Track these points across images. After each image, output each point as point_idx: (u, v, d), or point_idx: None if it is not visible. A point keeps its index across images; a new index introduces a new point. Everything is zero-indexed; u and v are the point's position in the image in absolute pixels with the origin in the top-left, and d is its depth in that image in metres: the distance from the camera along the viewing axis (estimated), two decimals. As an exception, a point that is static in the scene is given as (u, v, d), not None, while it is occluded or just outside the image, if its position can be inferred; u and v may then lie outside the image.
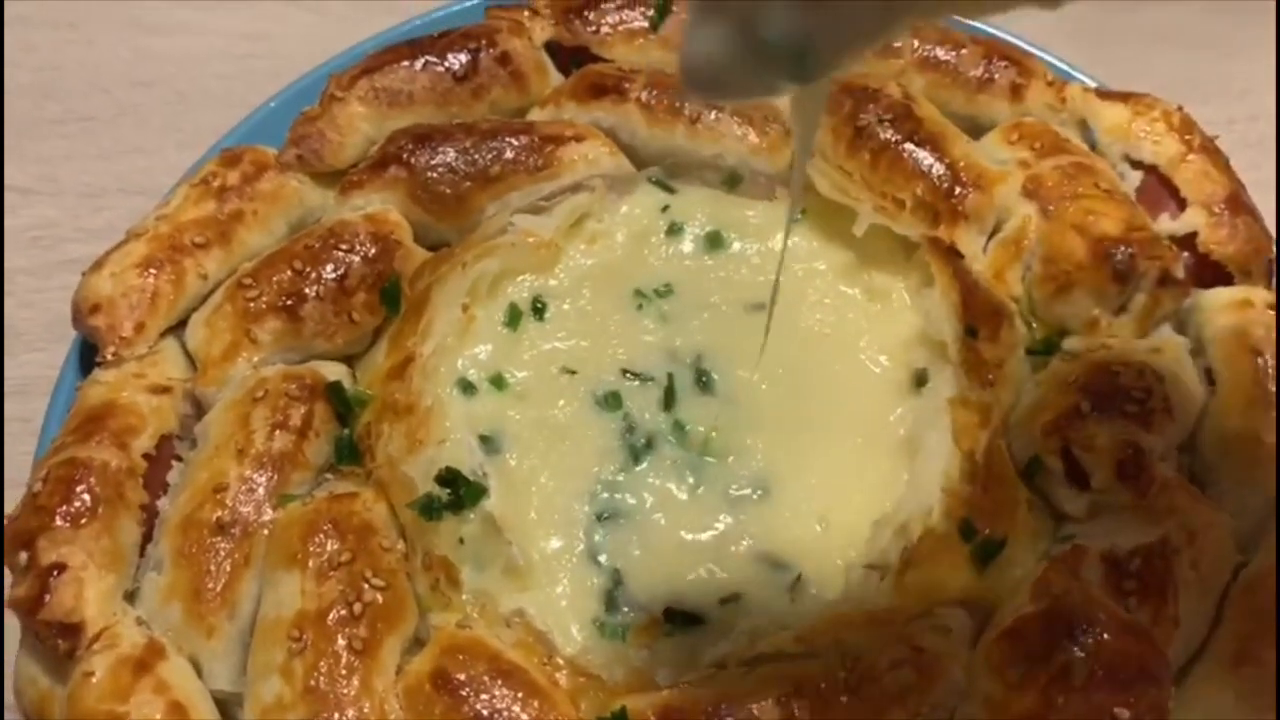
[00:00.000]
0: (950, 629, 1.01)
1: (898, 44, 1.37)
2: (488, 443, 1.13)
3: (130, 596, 1.03)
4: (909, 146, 1.26)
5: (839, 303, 1.24)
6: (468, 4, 1.48)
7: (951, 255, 1.21)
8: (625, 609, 1.05)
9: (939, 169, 1.25)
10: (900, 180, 1.25)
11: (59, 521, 1.00)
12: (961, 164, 1.26)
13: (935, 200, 1.24)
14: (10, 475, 1.29)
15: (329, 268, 1.18)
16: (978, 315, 1.17)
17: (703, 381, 1.18)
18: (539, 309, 1.23)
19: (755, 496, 1.12)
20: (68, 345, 1.32)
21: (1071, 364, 1.15)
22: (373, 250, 1.20)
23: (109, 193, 1.52)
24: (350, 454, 1.12)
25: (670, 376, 1.18)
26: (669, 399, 1.17)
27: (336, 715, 0.94)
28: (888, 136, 1.26)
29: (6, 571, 1.02)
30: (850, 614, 1.01)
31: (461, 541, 1.05)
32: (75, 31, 1.67)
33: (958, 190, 1.24)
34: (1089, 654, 0.93)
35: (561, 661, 1.01)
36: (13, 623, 1.04)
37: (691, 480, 1.13)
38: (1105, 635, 0.94)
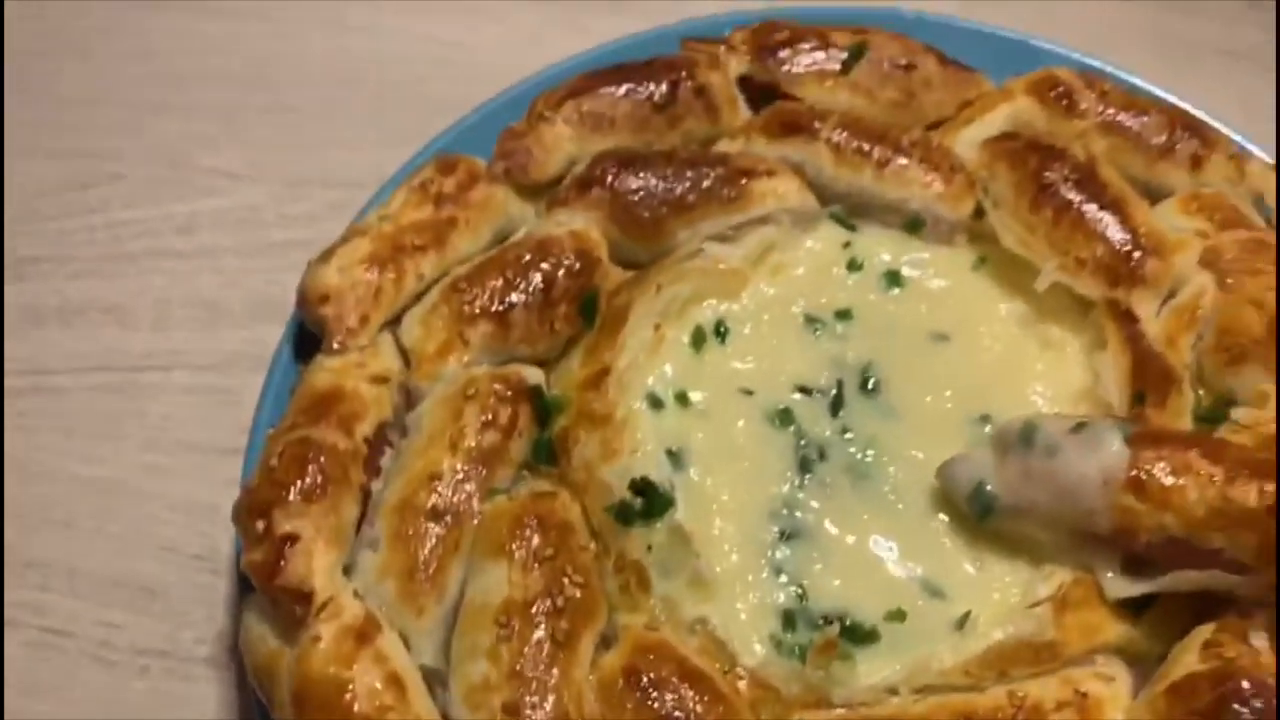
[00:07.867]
0: (1113, 678, 1.06)
1: (1083, 105, 1.42)
2: (673, 457, 1.20)
3: (345, 572, 1.11)
4: (1092, 208, 1.30)
5: (1014, 347, 1.29)
6: (657, 32, 1.55)
7: (1127, 320, 1.25)
8: (802, 627, 1.11)
9: (1121, 233, 1.29)
10: (1081, 240, 1.29)
11: (293, 496, 1.08)
12: (1143, 230, 1.29)
13: (1115, 263, 1.28)
14: (217, 441, 1.40)
15: (537, 278, 1.26)
16: (1148, 381, 1.22)
17: (868, 387, 1.25)
18: (721, 332, 1.30)
19: (917, 510, 1.18)
20: (267, 324, 1.43)
21: (1241, 435, 1.19)
22: (577, 265, 1.28)
23: (310, 183, 1.61)
24: (548, 455, 1.19)
25: (839, 383, 1.25)
26: (836, 405, 1.24)
27: (539, 699, 1.01)
28: (1072, 196, 1.31)
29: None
30: (1015, 647, 1.07)
31: (650, 549, 1.12)
32: (281, 26, 1.77)
33: (1138, 255, 1.28)
34: (1258, 718, 0.98)
35: (743, 671, 1.07)
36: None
37: (861, 492, 1.19)
38: (1275, 702, 0.98)
